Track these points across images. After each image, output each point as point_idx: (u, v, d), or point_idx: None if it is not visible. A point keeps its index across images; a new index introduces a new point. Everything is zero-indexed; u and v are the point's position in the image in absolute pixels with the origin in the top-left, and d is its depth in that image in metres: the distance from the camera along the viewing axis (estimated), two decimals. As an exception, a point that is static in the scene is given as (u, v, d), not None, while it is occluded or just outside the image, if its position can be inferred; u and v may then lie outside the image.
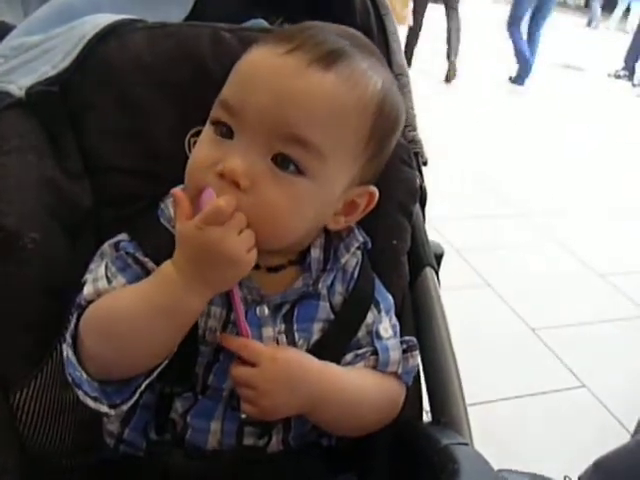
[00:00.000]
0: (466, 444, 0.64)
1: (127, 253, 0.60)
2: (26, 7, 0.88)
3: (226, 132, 0.57)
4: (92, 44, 0.69)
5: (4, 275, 0.61)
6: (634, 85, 6.91)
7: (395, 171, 0.76)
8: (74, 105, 0.70)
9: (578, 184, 3.63)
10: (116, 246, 0.62)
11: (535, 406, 1.77)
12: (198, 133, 0.63)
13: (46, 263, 0.64)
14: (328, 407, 0.61)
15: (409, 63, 4.93)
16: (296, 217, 0.58)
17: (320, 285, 0.64)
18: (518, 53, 5.73)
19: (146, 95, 0.71)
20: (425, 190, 0.84)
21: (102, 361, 0.56)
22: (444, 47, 5.48)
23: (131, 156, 0.71)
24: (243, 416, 0.60)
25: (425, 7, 5.26)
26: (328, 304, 0.65)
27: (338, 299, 0.66)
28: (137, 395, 0.57)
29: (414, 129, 0.86)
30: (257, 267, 0.61)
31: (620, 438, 1.37)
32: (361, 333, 0.66)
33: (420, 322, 0.77)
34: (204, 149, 0.58)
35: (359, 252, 0.69)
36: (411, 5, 4.57)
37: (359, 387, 0.63)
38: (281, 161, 0.55)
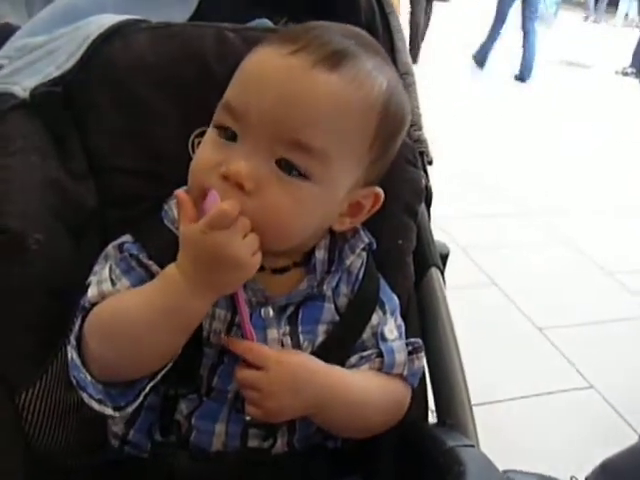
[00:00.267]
0: (472, 446, 0.64)
1: (131, 255, 0.60)
2: (30, 8, 0.89)
3: (230, 135, 0.56)
4: (96, 44, 0.69)
5: (8, 276, 0.61)
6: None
7: (400, 171, 0.76)
8: (78, 106, 0.70)
9: (584, 182, 3.62)
10: (120, 248, 0.61)
11: (542, 406, 1.77)
12: (202, 134, 0.63)
13: (50, 264, 0.64)
14: (333, 409, 0.61)
15: (415, 60, 4.94)
16: (300, 220, 0.57)
17: (325, 287, 0.64)
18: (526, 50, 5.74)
19: (150, 95, 0.71)
20: (431, 190, 0.84)
21: (106, 363, 0.56)
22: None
23: (135, 156, 0.71)
24: (248, 418, 0.60)
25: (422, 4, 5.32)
26: (333, 306, 0.65)
27: (343, 300, 0.66)
28: (141, 398, 0.57)
29: (419, 128, 0.85)
30: (262, 269, 0.60)
31: (628, 439, 1.36)
32: (366, 335, 0.66)
33: (425, 323, 0.77)
34: (207, 151, 0.58)
35: (364, 253, 0.68)
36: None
37: (364, 389, 0.63)
38: (285, 165, 0.55)
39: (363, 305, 0.66)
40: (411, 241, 0.77)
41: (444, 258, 0.83)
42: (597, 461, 1.24)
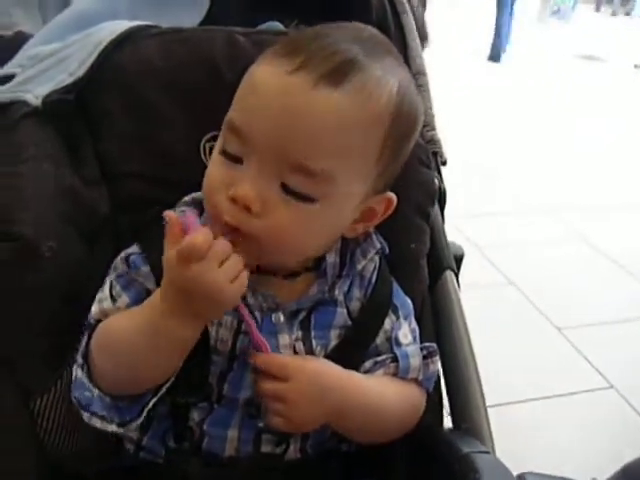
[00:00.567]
0: (487, 452, 0.63)
1: (135, 267, 0.60)
2: (43, 13, 0.89)
3: (236, 158, 0.55)
4: (108, 51, 0.70)
5: (21, 282, 0.62)
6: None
7: (413, 172, 0.75)
8: (91, 112, 0.70)
9: (601, 178, 3.56)
10: (126, 260, 0.62)
11: (561, 408, 1.74)
12: (214, 138, 0.63)
13: (63, 271, 0.64)
14: (352, 415, 0.61)
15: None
16: (308, 239, 0.57)
17: (336, 291, 0.64)
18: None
19: (161, 100, 0.71)
20: (444, 191, 0.83)
21: (109, 378, 0.57)
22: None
23: (146, 161, 0.71)
24: (261, 424, 0.60)
25: None
26: (345, 310, 0.64)
27: (356, 305, 0.65)
28: (144, 414, 0.57)
29: (433, 128, 0.85)
30: (273, 274, 0.60)
31: (650, 441, 1.34)
32: (380, 339, 0.65)
33: (440, 326, 0.76)
34: (215, 172, 0.57)
35: (377, 257, 0.67)
36: None
37: (380, 394, 0.63)
38: (290, 190, 0.54)
39: (376, 309, 0.66)
40: (424, 244, 0.76)
41: (459, 260, 0.82)
42: (618, 463, 1.21)
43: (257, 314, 0.61)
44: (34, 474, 0.63)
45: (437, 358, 0.68)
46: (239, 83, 0.59)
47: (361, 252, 0.66)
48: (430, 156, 0.79)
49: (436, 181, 0.79)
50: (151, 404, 0.57)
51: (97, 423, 0.56)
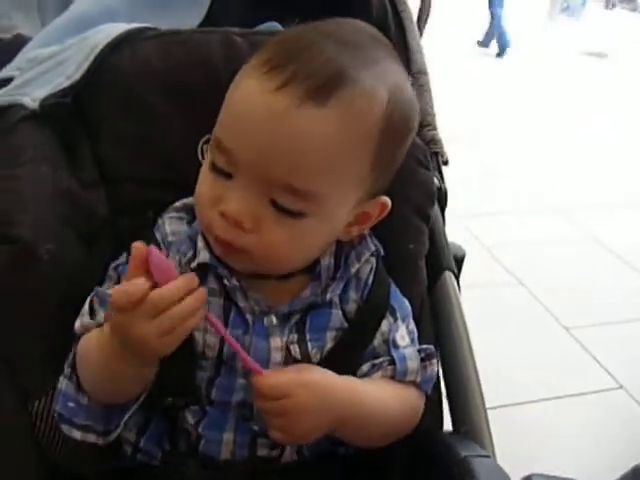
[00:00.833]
0: (487, 456, 0.62)
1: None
2: (43, 17, 0.90)
3: (225, 174, 0.55)
4: (104, 53, 0.70)
5: (20, 285, 0.62)
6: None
7: (411, 173, 0.74)
8: (88, 115, 0.70)
9: (606, 176, 3.52)
10: (116, 270, 0.62)
11: (570, 408, 1.73)
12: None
13: (61, 273, 0.64)
14: (351, 422, 0.60)
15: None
16: (302, 250, 0.58)
17: (329, 294, 0.63)
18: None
19: (158, 102, 0.71)
20: (445, 192, 0.82)
21: (89, 389, 0.57)
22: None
23: (144, 164, 0.71)
24: (256, 428, 0.60)
25: None
26: (341, 312, 0.64)
27: (352, 307, 0.65)
28: (122, 425, 0.58)
29: (434, 128, 0.84)
30: (267, 277, 0.60)
31: (660, 442, 1.32)
32: (377, 342, 0.65)
33: (439, 328, 0.75)
34: (206, 186, 0.57)
35: (373, 258, 0.67)
36: None
37: (379, 399, 0.62)
38: (279, 206, 0.54)
39: (373, 311, 0.65)
40: (423, 245, 0.76)
41: (459, 261, 0.81)
42: (628, 465, 1.20)
43: (249, 317, 0.60)
44: (34, 474, 0.64)
45: (435, 360, 0.67)
46: None
47: (356, 255, 0.65)
48: (429, 156, 0.79)
49: (436, 181, 0.79)
50: (127, 416, 0.57)
51: (77, 434, 0.57)
